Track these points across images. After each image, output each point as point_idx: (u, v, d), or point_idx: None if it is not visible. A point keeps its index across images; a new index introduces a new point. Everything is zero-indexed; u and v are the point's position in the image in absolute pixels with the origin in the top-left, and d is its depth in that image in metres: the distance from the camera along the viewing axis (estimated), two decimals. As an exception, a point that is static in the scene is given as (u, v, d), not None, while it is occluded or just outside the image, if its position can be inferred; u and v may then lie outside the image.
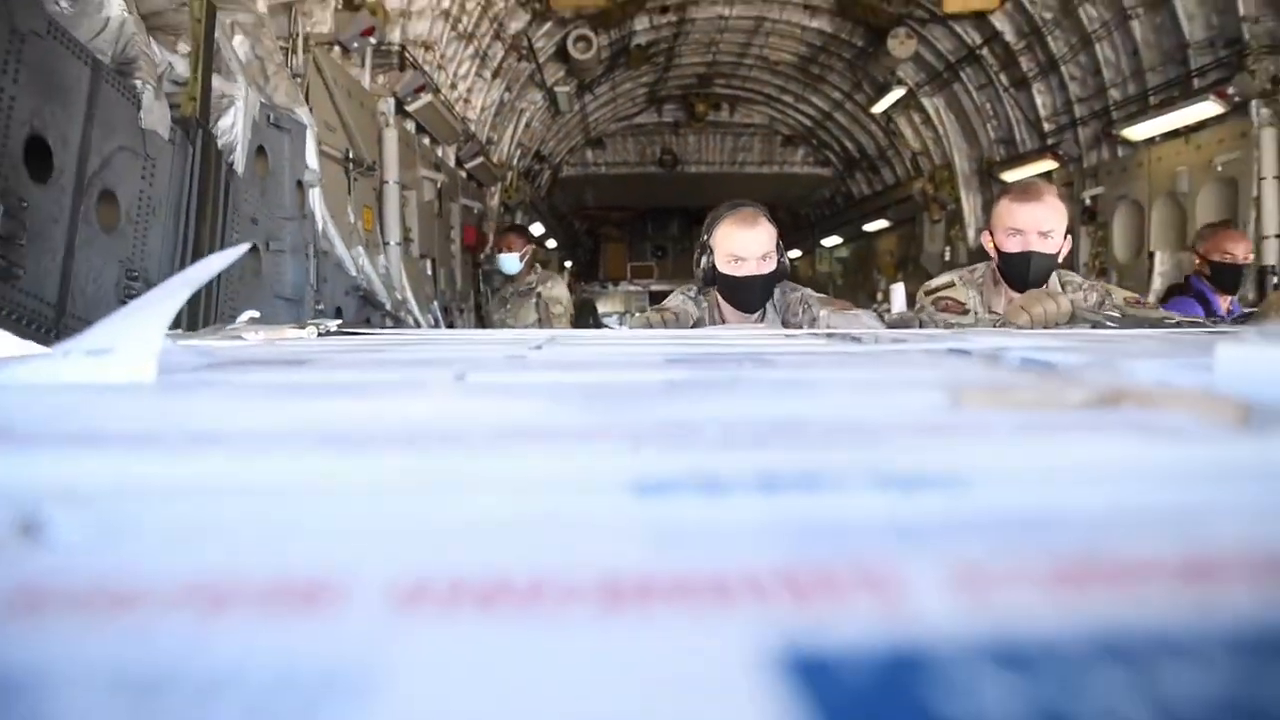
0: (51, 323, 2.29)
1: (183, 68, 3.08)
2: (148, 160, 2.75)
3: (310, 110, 4.12)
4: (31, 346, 0.94)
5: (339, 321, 1.85)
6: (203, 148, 3.02)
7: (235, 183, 3.27)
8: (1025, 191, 2.36)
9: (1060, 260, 2.35)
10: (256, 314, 1.99)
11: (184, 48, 3.23)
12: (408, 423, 0.58)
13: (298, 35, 4.24)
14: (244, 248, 1.06)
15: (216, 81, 3.22)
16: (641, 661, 0.24)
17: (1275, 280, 5.70)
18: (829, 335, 1.61)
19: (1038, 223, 2.24)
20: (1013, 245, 2.27)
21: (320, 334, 1.63)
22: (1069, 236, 2.34)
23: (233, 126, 3.31)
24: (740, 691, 0.22)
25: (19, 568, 0.31)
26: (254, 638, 0.25)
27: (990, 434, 0.51)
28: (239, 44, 3.77)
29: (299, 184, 3.91)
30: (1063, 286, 2.42)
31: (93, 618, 0.26)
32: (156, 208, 2.80)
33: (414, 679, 0.23)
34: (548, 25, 8.94)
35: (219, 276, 3.09)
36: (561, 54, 9.37)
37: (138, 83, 2.72)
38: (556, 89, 10.15)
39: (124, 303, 2.61)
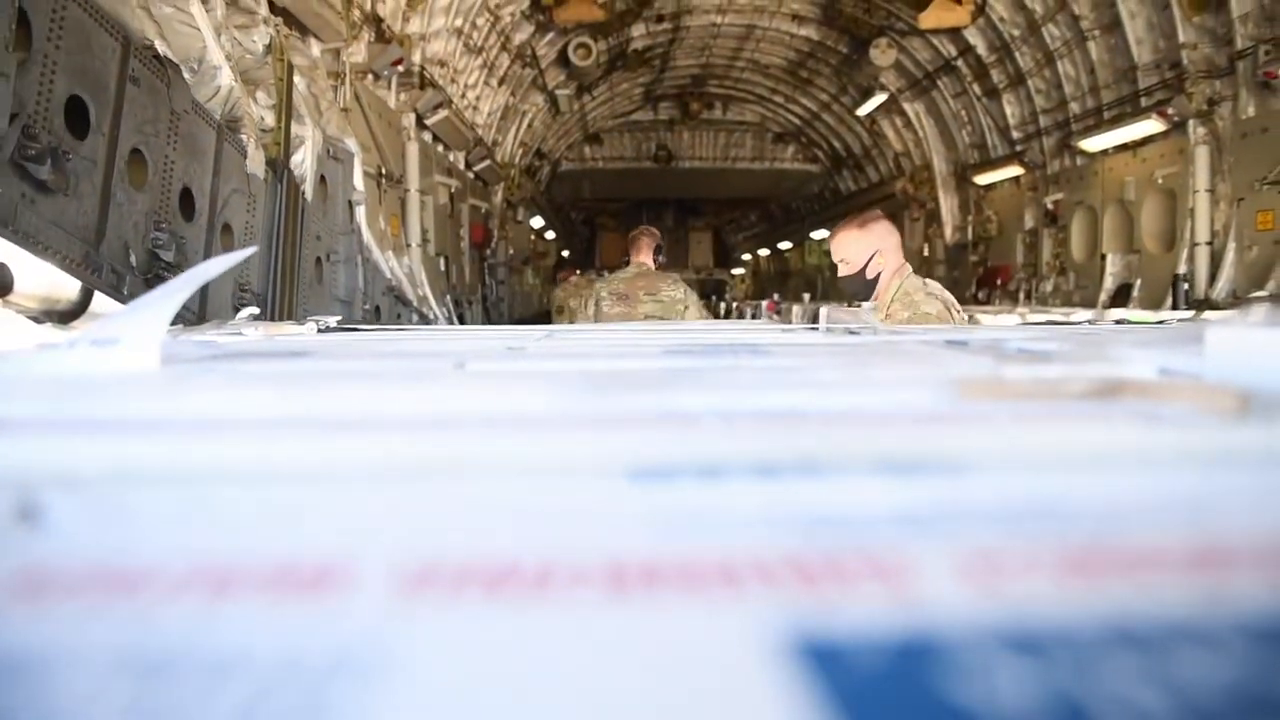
0: (195, 323, 3.14)
1: (268, 117, 3.91)
2: (250, 197, 3.59)
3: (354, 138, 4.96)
4: (48, 333, 1.16)
5: (339, 318, 1.95)
6: (286, 183, 3.85)
7: (306, 208, 4.11)
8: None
9: (867, 276, 2.68)
10: (256, 310, 2.26)
11: (263, 97, 4.05)
12: (410, 410, 0.60)
13: (344, 74, 5.05)
14: (249, 251, 1.25)
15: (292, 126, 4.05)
16: (649, 645, 0.24)
17: (1186, 287, 6.56)
18: (827, 328, 1.67)
19: (834, 254, 2.78)
20: None
21: (320, 330, 1.65)
22: (876, 255, 2.67)
23: (303, 161, 4.15)
24: (748, 675, 0.23)
25: (18, 552, 0.31)
26: (260, 622, 0.26)
27: (992, 423, 0.52)
28: (297, 82, 4.59)
29: (349, 203, 4.75)
30: (908, 293, 2.65)
31: (95, 601, 0.27)
32: (256, 233, 3.64)
33: (422, 663, 0.23)
34: (550, 35, 9.73)
35: (294, 284, 3.94)
36: (562, 59, 10.16)
37: (243, 136, 3.55)
38: (557, 92, 10.95)
39: (237, 309, 3.46)
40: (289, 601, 0.28)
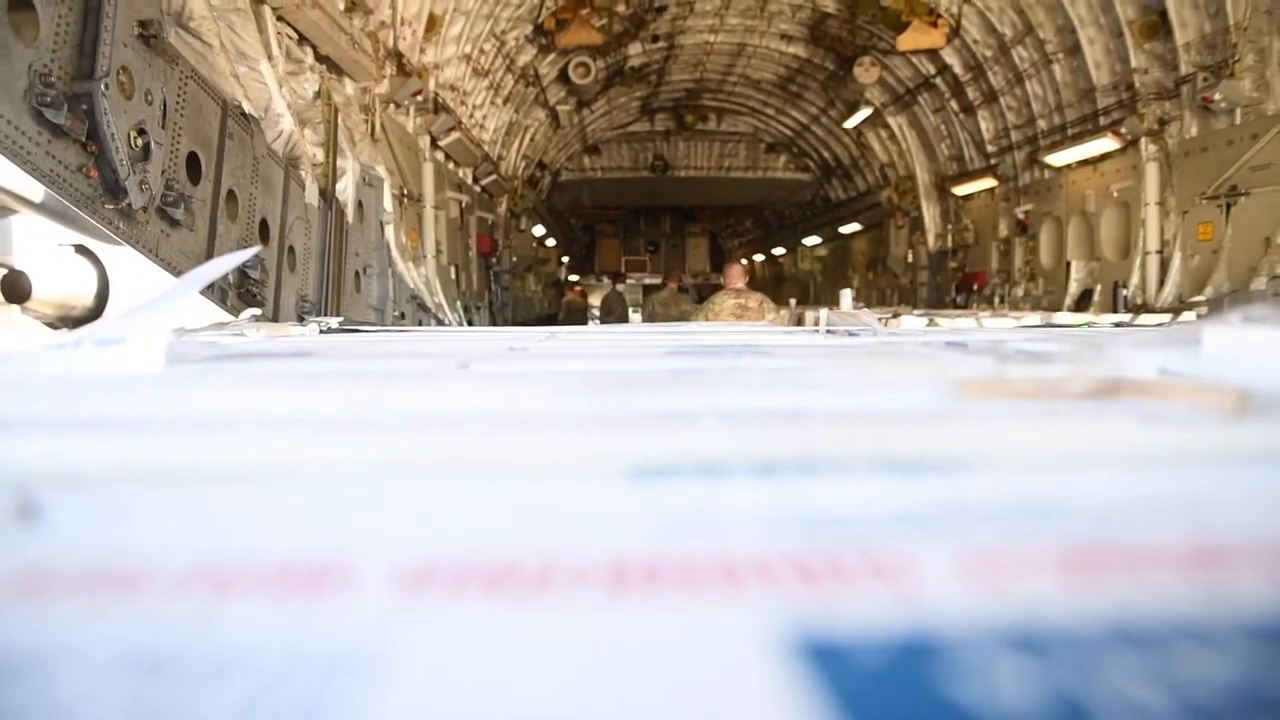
0: (269, 331, 3.93)
1: (318, 153, 4.70)
2: (307, 223, 4.39)
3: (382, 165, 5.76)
4: (53, 334, 1.44)
5: (340, 319, 2.11)
6: (334, 209, 4.65)
7: (348, 229, 4.91)
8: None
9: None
10: (259, 311, 2.54)
11: (310, 135, 4.84)
12: (412, 410, 0.63)
13: (373, 108, 5.84)
14: (251, 251, 1.53)
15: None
16: (650, 644, 0.25)
17: (1125, 293, 7.34)
18: (827, 330, 1.68)
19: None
20: None
21: (322, 330, 1.68)
22: (726, 277, 5.81)
23: (345, 189, 4.94)
24: (749, 674, 0.23)
25: (18, 552, 0.32)
26: (261, 620, 0.27)
27: (992, 422, 0.54)
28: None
29: (380, 223, 5.55)
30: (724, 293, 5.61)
31: (96, 600, 0.28)
32: (312, 253, 4.44)
33: (423, 660, 0.24)
34: (551, 55, 10.54)
35: (340, 294, 4.73)
36: (563, 77, 10.97)
37: (302, 172, 4.35)
38: (558, 107, 11.77)
39: (301, 319, 4.24)
40: (290, 600, 0.29)
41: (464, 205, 8.88)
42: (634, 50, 11.61)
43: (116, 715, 0.23)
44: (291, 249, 4.22)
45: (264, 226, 3.92)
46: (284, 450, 0.49)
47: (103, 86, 2.58)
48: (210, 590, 0.29)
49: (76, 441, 0.51)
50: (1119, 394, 0.62)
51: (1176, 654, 0.25)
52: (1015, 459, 0.46)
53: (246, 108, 3.78)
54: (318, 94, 4.75)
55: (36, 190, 2.76)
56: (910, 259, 12.50)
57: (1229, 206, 7.02)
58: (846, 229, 14.94)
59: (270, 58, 4.15)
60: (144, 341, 0.83)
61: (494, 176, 9.96)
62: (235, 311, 3.54)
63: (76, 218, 2.91)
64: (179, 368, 0.88)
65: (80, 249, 3.23)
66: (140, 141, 2.82)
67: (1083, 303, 8.79)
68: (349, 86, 5.67)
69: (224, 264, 1.17)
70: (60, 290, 2.95)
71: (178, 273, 3.18)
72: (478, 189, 9.83)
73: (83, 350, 0.84)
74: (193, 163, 3.30)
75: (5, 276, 2.86)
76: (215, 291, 3.36)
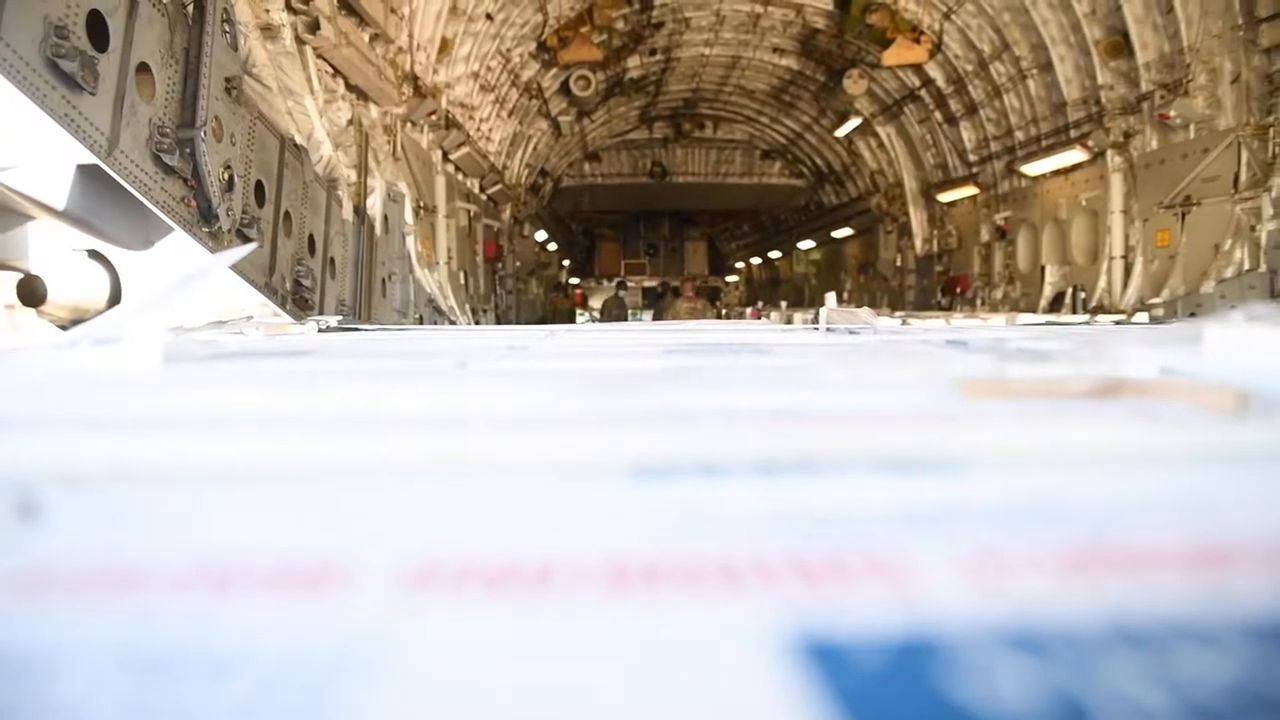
0: (315, 331, 4.61)
1: (351, 174, 5.39)
2: (344, 237, 5.08)
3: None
4: (51, 333, 1.64)
5: (339, 318, 2.23)
6: (365, 223, 5.34)
7: (376, 241, 5.60)
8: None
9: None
10: (252, 314, 2.72)
11: (343, 157, 5.53)
12: (411, 409, 0.64)
13: (394, 129, 6.54)
14: (249, 248, 1.50)
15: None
16: (650, 643, 0.26)
17: (1083, 296, 8.04)
18: (827, 329, 1.69)
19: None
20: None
21: (321, 330, 1.69)
22: (684, 290, 7.67)
23: (374, 205, 5.64)
24: (749, 673, 0.24)
25: (18, 551, 0.33)
26: (261, 620, 0.27)
27: (993, 422, 0.54)
28: (362, 140, 6.06)
29: (402, 234, 6.25)
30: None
31: (96, 599, 0.28)
32: (348, 263, 5.13)
33: (423, 660, 0.25)
34: (554, 70, 11.25)
35: (370, 298, 5.43)
36: (564, 89, 11.68)
37: (340, 192, 5.04)
38: (560, 118, 12.49)
39: (340, 316, 4.93)
40: (290, 599, 0.29)
41: (472, 214, 9.60)
42: (633, 63, 12.32)
43: (116, 715, 0.24)
44: (332, 260, 4.92)
45: (311, 241, 4.62)
46: (283, 449, 0.51)
47: (202, 133, 3.27)
48: (210, 590, 0.30)
49: (76, 440, 0.52)
50: (1119, 393, 0.62)
51: (1177, 654, 0.25)
52: (1015, 459, 0.47)
53: (298, 139, 4.48)
54: (349, 120, 5.45)
55: (53, 196, 2.96)
56: (899, 263, 13.21)
57: (1184, 215, 7.71)
58: (839, 233, 15.65)
59: (312, 92, 4.85)
60: (140, 340, 0.86)
61: (499, 185, 10.67)
62: (295, 316, 4.23)
63: (89, 223, 3.14)
64: (178, 367, 0.90)
65: (93, 254, 3.43)
66: (226, 175, 3.51)
67: (1055, 305, 9.47)
68: (373, 111, 6.38)
69: (216, 264, 1.19)
70: (75, 294, 3.10)
71: (252, 282, 3.87)
72: (484, 198, 10.55)
73: (79, 349, 0.86)
74: (259, 190, 3.99)
75: (22, 281, 3.10)
76: (277, 297, 4.05)
